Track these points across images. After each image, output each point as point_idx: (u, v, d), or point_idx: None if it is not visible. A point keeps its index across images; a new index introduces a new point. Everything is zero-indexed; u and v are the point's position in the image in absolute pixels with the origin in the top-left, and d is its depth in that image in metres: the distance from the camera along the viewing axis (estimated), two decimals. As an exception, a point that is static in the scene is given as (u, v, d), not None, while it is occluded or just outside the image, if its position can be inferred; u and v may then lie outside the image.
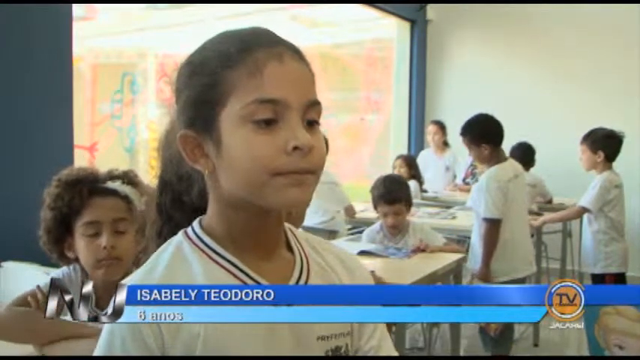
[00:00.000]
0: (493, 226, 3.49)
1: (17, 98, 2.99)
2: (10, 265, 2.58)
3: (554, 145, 6.19)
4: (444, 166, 5.91)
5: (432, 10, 6.93)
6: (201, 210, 0.91)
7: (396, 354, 0.98)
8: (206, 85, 0.83)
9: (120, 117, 4.03)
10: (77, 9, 3.43)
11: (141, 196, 1.62)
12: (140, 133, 4.20)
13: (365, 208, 4.70)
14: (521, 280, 3.61)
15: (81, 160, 3.59)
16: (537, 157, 5.32)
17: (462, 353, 3.57)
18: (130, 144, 4.09)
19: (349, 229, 4.79)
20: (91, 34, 3.96)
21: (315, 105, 0.84)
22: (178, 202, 0.94)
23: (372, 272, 3.17)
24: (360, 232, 3.77)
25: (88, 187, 1.63)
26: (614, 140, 3.97)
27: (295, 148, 0.80)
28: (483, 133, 3.56)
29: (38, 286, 1.72)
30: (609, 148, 3.96)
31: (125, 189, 1.64)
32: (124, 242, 1.62)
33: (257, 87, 0.80)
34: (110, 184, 1.64)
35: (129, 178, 1.68)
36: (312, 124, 0.83)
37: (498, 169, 3.52)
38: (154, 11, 4.44)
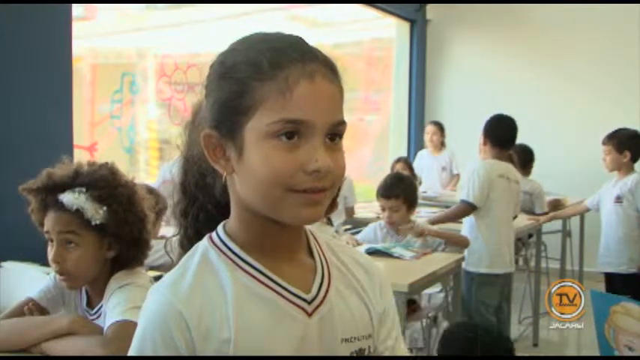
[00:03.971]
0: (465, 209, 3.62)
1: (17, 98, 2.99)
2: (10, 265, 2.58)
3: (554, 145, 6.20)
4: (440, 166, 5.92)
5: (431, 9, 6.93)
6: (225, 205, 0.92)
7: (408, 354, 1.01)
8: (234, 92, 0.84)
9: (119, 117, 4.02)
10: (76, 9, 3.42)
11: (101, 206, 1.60)
12: (140, 133, 4.20)
13: (364, 208, 4.70)
14: (499, 276, 3.67)
15: (81, 160, 3.59)
16: (537, 156, 5.28)
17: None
18: (130, 144, 4.09)
19: (348, 229, 4.79)
20: (91, 34, 3.96)
21: (340, 124, 0.85)
22: (202, 183, 0.95)
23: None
24: (359, 232, 3.77)
25: (44, 197, 1.63)
26: None
27: (314, 171, 0.82)
28: (488, 129, 3.67)
29: (31, 298, 1.75)
30: (636, 148, 3.92)
31: (78, 201, 1.59)
32: (73, 256, 1.61)
33: (285, 106, 0.81)
34: (66, 195, 1.60)
35: (94, 183, 1.63)
36: (334, 139, 0.85)
37: (491, 162, 3.64)
38: (153, 11, 4.44)
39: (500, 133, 3.66)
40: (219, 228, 0.91)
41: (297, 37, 0.87)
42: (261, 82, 0.82)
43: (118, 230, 1.62)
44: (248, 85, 0.83)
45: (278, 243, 0.89)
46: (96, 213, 1.60)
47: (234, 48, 0.87)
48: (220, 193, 0.92)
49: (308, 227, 0.96)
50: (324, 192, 0.84)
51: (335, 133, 0.84)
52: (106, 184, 1.63)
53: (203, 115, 0.89)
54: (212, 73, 0.88)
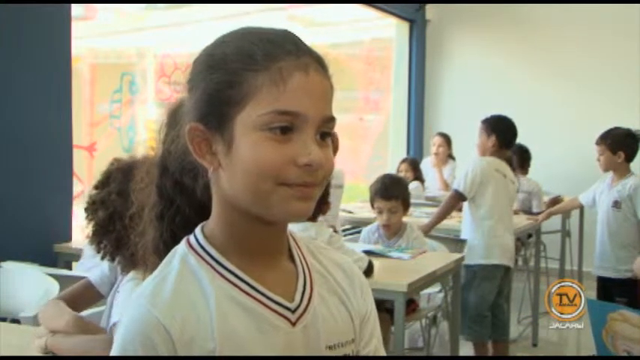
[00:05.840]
0: (455, 198, 3.74)
1: (16, 98, 2.99)
2: (10, 266, 2.58)
3: (554, 144, 6.20)
4: (441, 179, 5.80)
5: (430, 9, 6.93)
6: (205, 206, 0.89)
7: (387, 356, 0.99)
8: (225, 83, 0.81)
9: (119, 117, 4.03)
10: (76, 9, 3.43)
11: None
12: (139, 132, 4.20)
13: (363, 207, 4.69)
14: (499, 268, 3.69)
15: (80, 160, 3.59)
16: (538, 157, 5.27)
17: (461, 353, 3.57)
18: (129, 144, 4.09)
19: (348, 229, 4.79)
20: (90, 34, 3.96)
21: (330, 121, 0.84)
22: (180, 186, 0.91)
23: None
24: (358, 231, 3.77)
25: None
26: (634, 139, 3.83)
27: (306, 164, 0.80)
28: (498, 129, 3.72)
29: (89, 281, 1.83)
30: (630, 147, 3.81)
31: None
32: None
33: (278, 97, 0.79)
34: None
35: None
36: (324, 136, 0.83)
37: (490, 159, 3.70)
38: (152, 11, 4.44)
39: (510, 135, 3.74)
40: (198, 231, 0.87)
41: (288, 31, 0.85)
42: (255, 72, 0.80)
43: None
44: (240, 76, 0.80)
45: (260, 245, 0.86)
46: None
47: (223, 41, 0.85)
48: (202, 192, 0.89)
49: (297, 235, 0.93)
50: (314, 187, 0.81)
51: (325, 129, 0.83)
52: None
53: (186, 109, 0.85)
54: (197, 67, 0.85)
